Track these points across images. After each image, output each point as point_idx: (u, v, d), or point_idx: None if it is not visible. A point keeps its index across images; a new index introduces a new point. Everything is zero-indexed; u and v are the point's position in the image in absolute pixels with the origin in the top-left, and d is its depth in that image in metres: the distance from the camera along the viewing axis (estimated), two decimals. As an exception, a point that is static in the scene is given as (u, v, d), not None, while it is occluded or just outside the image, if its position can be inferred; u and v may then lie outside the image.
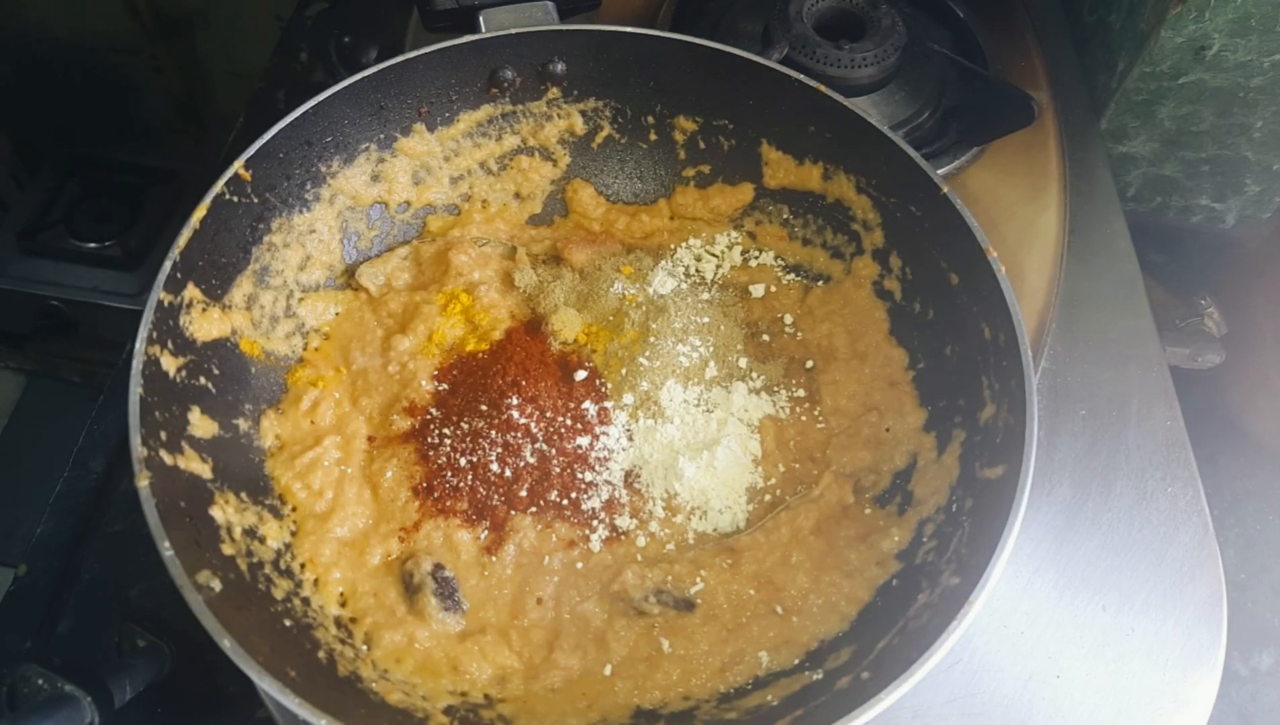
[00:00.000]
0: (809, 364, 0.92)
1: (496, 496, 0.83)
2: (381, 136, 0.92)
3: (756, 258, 0.99)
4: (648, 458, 0.86)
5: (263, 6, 1.79)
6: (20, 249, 1.72)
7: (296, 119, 0.85)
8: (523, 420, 0.85)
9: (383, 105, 0.91)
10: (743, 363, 0.92)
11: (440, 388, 0.88)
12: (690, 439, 0.87)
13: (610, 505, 0.84)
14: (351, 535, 0.80)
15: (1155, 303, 1.02)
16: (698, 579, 0.80)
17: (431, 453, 0.84)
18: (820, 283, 0.96)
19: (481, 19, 0.91)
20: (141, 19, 1.87)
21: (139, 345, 0.71)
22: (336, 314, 0.92)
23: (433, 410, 0.86)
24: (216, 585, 0.65)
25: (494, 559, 0.81)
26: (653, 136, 1.00)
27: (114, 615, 0.83)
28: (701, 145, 0.99)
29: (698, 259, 0.98)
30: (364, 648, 0.74)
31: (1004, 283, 0.77)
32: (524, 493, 0.83)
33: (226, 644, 0.59)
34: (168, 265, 0.75)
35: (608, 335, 0.93)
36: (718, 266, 0.98)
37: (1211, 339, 1.16)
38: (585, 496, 0.84)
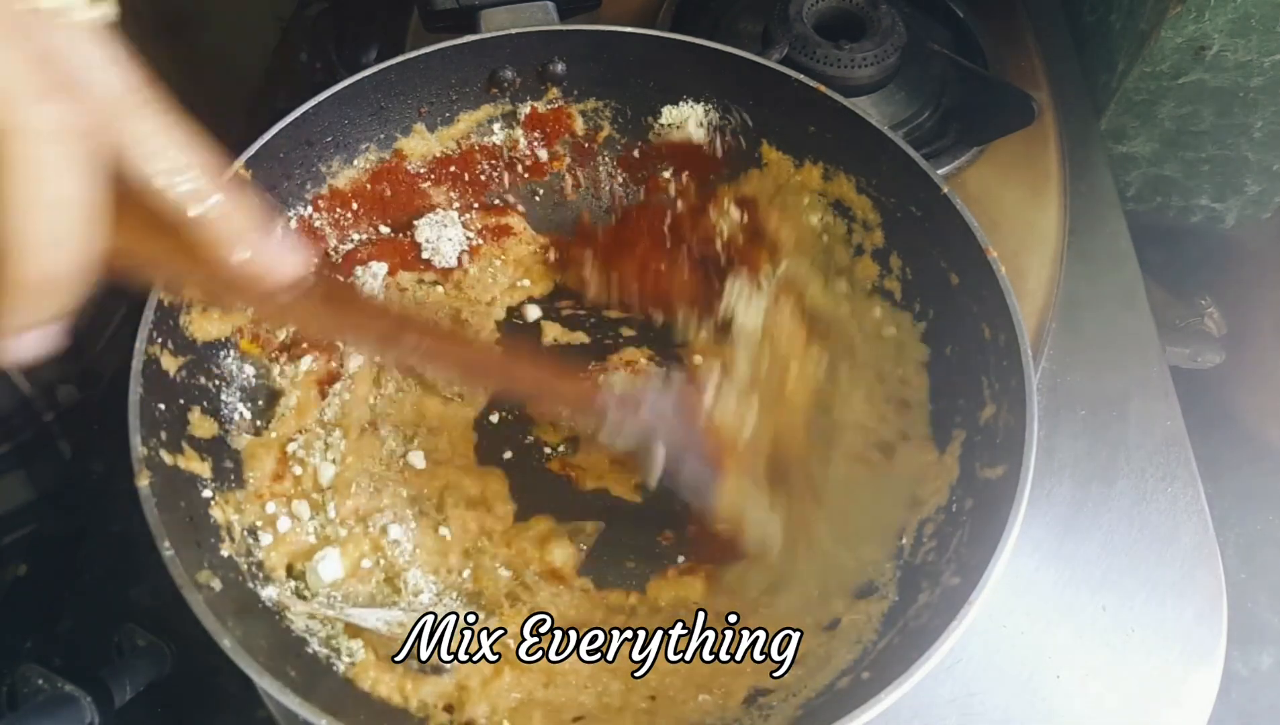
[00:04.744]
0: (809, 364, 0.92)
1: (496, 496, 0.83)
2: (381, 136, 0.92)
3: (756, 258, 0.99)
4: (648, 458, 0.86)
5: (263, 6, 1.78)
6: (20, 249, 1.72)
7: (296, 119, 0.85)
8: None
9: (383, 105, 0.91)
10: (743, 363, 0.92)
11: (440, 388, 0.88)
12: (690, 439, 0.87)
13: (610, 505, 0.84)
14: (351, 535, 0.80)
15: (1155, 303, 1.02)
16: (698, 579, 0.79)
17: (431, 453, 0.84)
18: (820, 283, 0.96)
19: (481, 19, 0.91)
20: (141, 19, 1.87)
21: (139, 345, 0.71)
22: (336, 314, 0.92)
23: (433, 410, 0.86)
24: (216, 585, 0.65)
25: (494, 559, 0.80)
26: (653, 137, 1.00)
27: (114, 615, 0.83)
28: (701, 145, 0.99)
29: (698, 259, 0.98)
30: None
31: (1004, 283, 0.77)
32: (524, 493, 0.83)
33: (226, 644, 0.59)
34: (168, 265, 0.75)
35: (608, 335, 0.92)
36: (718, 266, 0.98)
37: (1211, 339, 1.16)
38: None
